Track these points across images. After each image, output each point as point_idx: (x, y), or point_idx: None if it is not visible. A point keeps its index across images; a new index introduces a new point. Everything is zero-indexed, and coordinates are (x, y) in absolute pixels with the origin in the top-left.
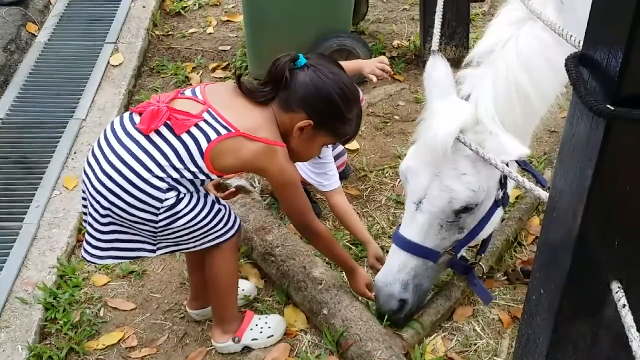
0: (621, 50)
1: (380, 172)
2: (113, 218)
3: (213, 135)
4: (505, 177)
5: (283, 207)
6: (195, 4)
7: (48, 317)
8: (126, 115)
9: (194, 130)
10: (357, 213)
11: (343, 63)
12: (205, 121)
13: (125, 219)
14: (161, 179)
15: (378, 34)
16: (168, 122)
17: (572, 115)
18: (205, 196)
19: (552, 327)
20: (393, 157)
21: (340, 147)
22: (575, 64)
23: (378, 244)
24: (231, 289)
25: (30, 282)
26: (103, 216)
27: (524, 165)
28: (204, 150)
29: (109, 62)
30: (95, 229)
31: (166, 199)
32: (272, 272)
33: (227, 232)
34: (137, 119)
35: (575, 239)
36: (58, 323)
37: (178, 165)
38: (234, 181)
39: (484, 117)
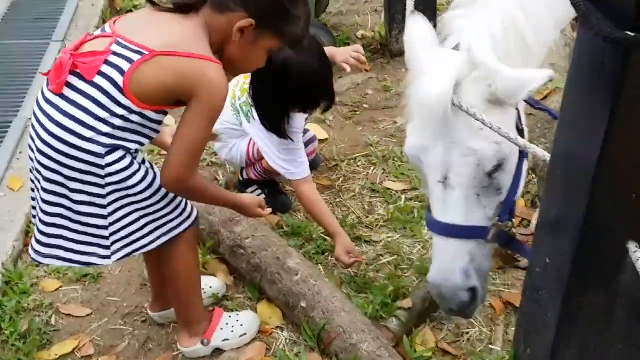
0: None
1: (352, 161)
2: (59, 206)
3: (126, 66)
4: (520, 121)
5: (174, 140)
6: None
7: None
8: (44, 81)
9: (105, 68)
10: (330, 204)
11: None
12: (115, 53)
13: (72, 201)
14: (92, 140)
15: (341, 25)
16: (76, 70)
17: (580, 54)
18: (156, 172)
19: (561, 300)
20: (365, 145)
21: (310, 134)
22: None
23: (355, 233)
24: (194, 287)
25: None
26: (47, 203)
27: (534, 103)
28: (121, 85)
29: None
30: (41, 220)
31: (107, 164)
32: (242, 267)
33: (184, 221)
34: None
35: (587, 197)
36: (4, 333)
37: (102, 114)
38: None
39: (483, 58)
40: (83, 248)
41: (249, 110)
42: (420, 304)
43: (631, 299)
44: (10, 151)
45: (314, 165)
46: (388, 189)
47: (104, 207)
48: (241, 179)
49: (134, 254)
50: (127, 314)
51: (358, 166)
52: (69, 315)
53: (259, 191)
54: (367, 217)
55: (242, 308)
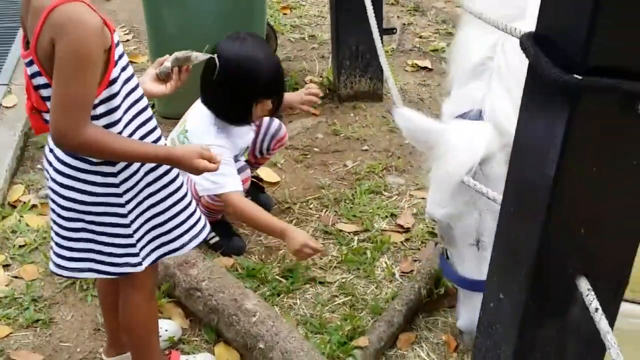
0: (585, 19)
1: (304, 203)
2: (80, 221)
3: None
4: None
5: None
6: None
7: None
8: None
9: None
10: (284, 245)
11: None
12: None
13: (93, 214)
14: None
15: (290, 71)
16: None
17: (529, 98)
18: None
19: (516, 334)
20: (316, 188)
21: (241, 162)
22: (532, 42)
23: (309, 275)
24: (151, 336)
25: None
26: (66, 219)
27: None
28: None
29: (0, 104)
30: (62, 236)
31: (119, 171)
32: (198, 309)
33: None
34: None
35: (539, 233)
36: None
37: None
38: (171, 58)
39: (510, 128)
40: (114, 259)
41: (184, 138)
42: (376, 343)
43: (581, 333)
44: None
45: (265, 207)
46: (340, 230)
47: (125, 215)
48: None
49: (163, 257)
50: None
51: (310, 209)
52: None
53: (212, 234)
54: (321, 258)
55: (199, 351)
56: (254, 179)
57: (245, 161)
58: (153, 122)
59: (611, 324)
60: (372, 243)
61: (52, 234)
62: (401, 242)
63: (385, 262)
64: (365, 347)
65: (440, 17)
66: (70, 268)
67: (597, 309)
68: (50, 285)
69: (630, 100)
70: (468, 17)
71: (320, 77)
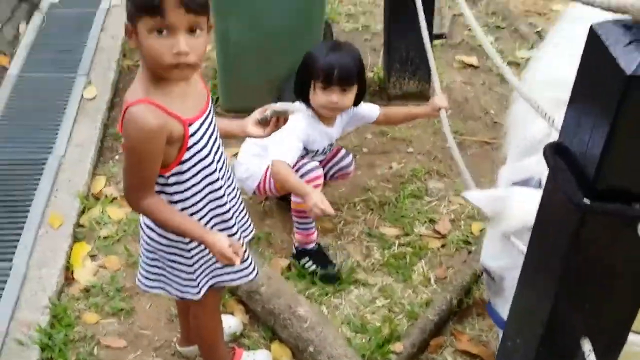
0: (600, 143)
1: (352, 205)
2: (156, 260)
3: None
4: None
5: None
6: None
7: (44, 357)
8: None
9: None
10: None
11: (399, 108)
12: None
13: (166, 259)
14: None
15: None
16: None
17: (547, 200)
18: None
19: None
20: (362, 190)
21: (315, 162)
22: (552, 153)
23: (354, 277)
24: (216, 341)
25: (25, 323)
26: (147, 253)
27: None
28: None
29: (82, 96)
30: (145, 262)
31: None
32: (257, 309)
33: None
34: None
35: (548, 303)
36: None
37: None
38: (270, 109)
39: None
40: (179, 287)
41: None
42: (409, 348)
43: None
44: (48, 190)
45: None
46: (383, 234)
47: (189, 258)
48: (294, 251)
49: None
50: (158, 347)
51: (357, 210)
52: (108, 346)
53: (311, 262)
54: (365, 260)
55: (258, 346)
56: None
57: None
58: (224, 199)
59: None
60: (411, 248)
61: (140, 253)
62: (437, 248)
63: (422, 267)
64: (400, 352)
65: (490, 9)
66: (148, 285)
67: None
68: (131, 277)
69: (633, 223)
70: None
71: (371, 71)
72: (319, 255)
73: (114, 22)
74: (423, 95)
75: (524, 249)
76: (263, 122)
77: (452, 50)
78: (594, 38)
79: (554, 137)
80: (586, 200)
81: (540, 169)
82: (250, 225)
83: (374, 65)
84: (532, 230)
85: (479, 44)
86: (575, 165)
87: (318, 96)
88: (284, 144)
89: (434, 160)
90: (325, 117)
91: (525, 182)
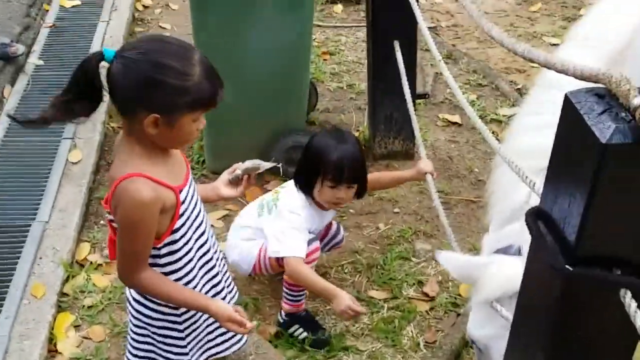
0: (579, 211)
1: (340, 268)
2: (146, 336)
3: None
4: None
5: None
6: None
7: None
8: None
9: None
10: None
11: (385, 174)
12: None
13: (156, 334)
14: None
15: (328, 124)
16: None
17: (531, 266)
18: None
19: None
20: (350, 252)
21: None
22: (534, 219)
23: (344, 343)
24: None
25: None
26: (136, 333)
27: None
28: None
29: (67, 160)
30: (133, 339)
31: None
32: None
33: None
34: None
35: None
36: None
37: None
38: (241, 167)
39: None
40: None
41: (274, 202)
42: None
43: None
44: (31, 257)
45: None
46: (371, 297)
47: (181, 331)
48: (281, 319)
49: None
50: None
51: (345, 273)
52: None
53: (301, 329)
54: (354, 325)
55: None
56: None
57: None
58: (212, 262)
59: None
60: (400, 311)
61: (129, 330)
62: (426, 311)
63: (411, 331)
64: None
65: (471, 67)
66: None
67: None
68: (116, 347)
69: (615, 288)
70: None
71: (357, 131)
72: (309, 321)
73: None
74: (408, 154)
75: (508, 315)
76: (234, 182)
77: (435, 109)
78: (568, 106)
79: (535, 204)
80: (568, 267)
81: (520, 237)
82: (234, 287)
83: (360, 124)
84: (518, 296)
85: None
86: (557, 231)
87: (324, 192)
88: (292, 237)
89: (421, 221)
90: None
91: (505, 250)
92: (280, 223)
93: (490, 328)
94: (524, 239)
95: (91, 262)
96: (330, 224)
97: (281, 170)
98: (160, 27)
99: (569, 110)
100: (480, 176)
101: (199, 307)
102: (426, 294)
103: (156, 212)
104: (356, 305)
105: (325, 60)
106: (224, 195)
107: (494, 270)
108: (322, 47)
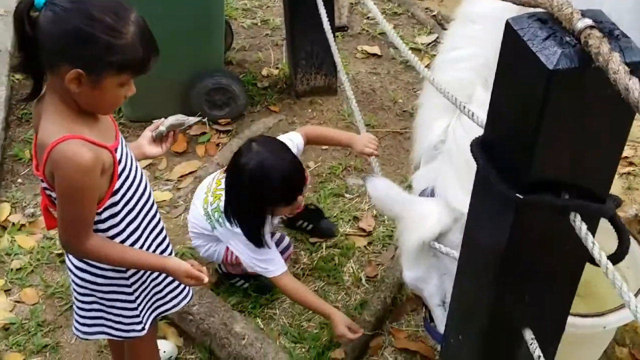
0: (527, 138)
1: None
2: (92, 296)
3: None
4: None
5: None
6: None
7: None
8: None
9: None
10: None
11: (335, 132)
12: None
13: (103, 292)
14: None
15: (245, 62)
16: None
17: (479, 196)
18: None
19: None
20: None
21: (285, 241)
22: (479, 149)
23: None
24: None
25: None
26: (82, 294)
27: None
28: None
29: None
30: (79, 307)
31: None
32: (192, 331)
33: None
34: None
35: (489, 296)
36: None
37: None
38: (165, 123)
39: (463, 209)
40: (122, 327)
41: (220, 216)
42: (350, 353)
43: None
44: None
45: (328, 232)
46: (308, 237)
47: (131, 294)
48: (220, 271)
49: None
50: None
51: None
52: None
53: (242, 281)
54: (294, 266)
55: None
56: (313, 206)
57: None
58: (156, 218)
59: None
60: (338, 249)
61: (73, 299)
62: (364, 246)
63: (352, 267)
64: (342, 358)
65: None
66: (88, 332)
67: (539, 357)
68: (52, 309)
69: (565, 212)
70: (428, 93)
71: (277, 68)
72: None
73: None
74: (331, 89)
75: (450, 251)
76: (158, 139)
77: (353, 41)
78: (511, 34)
79: (450, 141)
80: (519, 195)
81: (434, 178)
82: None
83: (279, 61)
84: (466, 228)
85: (379, 32)
86: (503, 160)
87: (281, 211)
88: (265, 257)
89: (350, 156)
90: None
91: (423, 192)
92: (242, 243)
93: (415, 271)
94: (438, 181)
95: (13, 224)
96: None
97: (206, 122)
98: None
99: (512, 37)
100: (405, 107)
101: (155, 267)
102: (363, 229)
103: (98, 174)
104: (353, 326)
105: None
106: (149, 153)
107: (411, 215)
108: None
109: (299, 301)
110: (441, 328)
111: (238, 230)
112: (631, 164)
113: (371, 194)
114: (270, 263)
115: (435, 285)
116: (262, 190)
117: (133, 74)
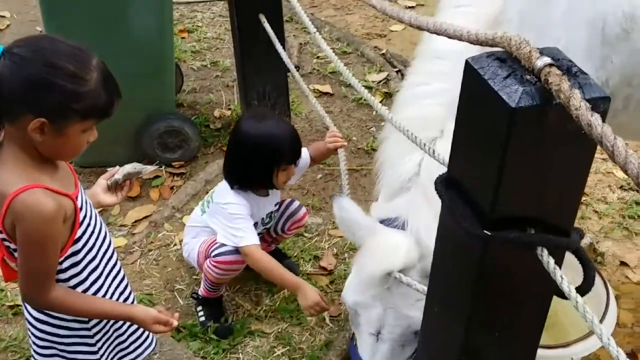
0: (492, 176)
1: None
2: (52, 348)
3: None
4: None
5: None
6: None
7: None
8: None
9: None
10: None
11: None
12: None
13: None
14: None
15: (197, 104)
16: None
17: (446, 233)
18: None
19: None
20: None
21: (295, 204)
22: (444, 187)
23: (249, 328)
24: None
25: None
26: (40, 347)
27: None
28: None
29: None
30: (37, 352)
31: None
32: None
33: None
34: None
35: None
36: None
37: None
38: (121, 172)
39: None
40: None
41: (209, 197)
42: None
43: None
44: None
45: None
46: None
47: (96, 352)
48: (195, 295)
49: None
50: None
51: None
52: None
53: (202, 313)
54: (257, 308)
55: None
56: (277, 248)
57: (260, 234)
58: (117, 266)
59: None
60: None
61: (32, 352)
62: (326, 285)
63: None
64: None
65: (334, 35)
66: None
67: None
68: None
69: (531, 247)
70: (391, 127)
71: (229, 109)
72: (214, 306)
73: None
74: None
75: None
76: (114, 187)
77: (304, 79)
78: (471, 73)
79: (424, 176)
80: (486, 232)
81: (406, 211)
82: (131, 288)
83: (231, 102)
84: (433, 265)
85: (330, 71)
86: (469, 197)
87: (279, 178)
88: (239, 225)
89: (307, 195)
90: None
91: (391, 222)
92: (222, 215)
93: (361, 296)
94: (411, 214)
95: None
96: (282, 201)
97: (163, 171)
98: None
99: (472, 76)
100: (359, 144)
101: (121, 316)
102: (324, 268)
103: (61, 223)
104: (323, 300)
105: (183, 38)
106: (104, 202)
107: (380, 243)
108: (179, 24)
109: (267, 272)
110: (365, 355)
111: (223, 201)
112: (583, 193)
113: (337, 214)
114: (242, 232)
115: (376, 314)
116: (272, 147)
117: (97, 120)
